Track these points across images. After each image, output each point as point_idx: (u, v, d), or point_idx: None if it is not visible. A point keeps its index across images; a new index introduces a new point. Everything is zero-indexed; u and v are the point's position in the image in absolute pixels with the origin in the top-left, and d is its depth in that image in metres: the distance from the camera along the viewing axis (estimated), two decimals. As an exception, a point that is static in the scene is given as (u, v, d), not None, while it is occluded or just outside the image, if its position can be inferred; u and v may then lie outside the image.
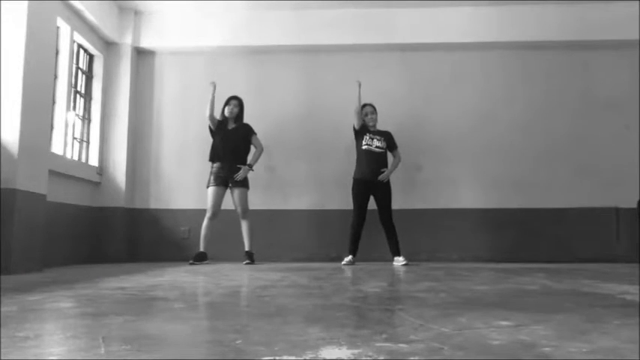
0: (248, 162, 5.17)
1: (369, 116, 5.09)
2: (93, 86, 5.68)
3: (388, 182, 5.02)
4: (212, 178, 5.09)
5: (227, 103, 5.19)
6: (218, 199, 5.06)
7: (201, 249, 5.02)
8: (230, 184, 5.08)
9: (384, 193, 4.98)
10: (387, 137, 5.11)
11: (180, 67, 6.03)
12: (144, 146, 5.93)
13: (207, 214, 5.04)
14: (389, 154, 5.15)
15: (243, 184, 5.10)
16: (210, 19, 5.86)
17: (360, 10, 5.80)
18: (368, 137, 5.03)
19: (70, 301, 2.15)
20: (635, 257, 5.20)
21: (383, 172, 4.99)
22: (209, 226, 5.04)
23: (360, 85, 5.07)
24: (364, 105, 5.14)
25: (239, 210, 5.06)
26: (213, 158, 5.14)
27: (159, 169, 5.91)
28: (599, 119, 5.71)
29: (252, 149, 5.26)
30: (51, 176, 4.38)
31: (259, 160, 5.27)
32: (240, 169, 5.07)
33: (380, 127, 5.16)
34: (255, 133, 5.23)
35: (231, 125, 5.19)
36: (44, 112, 4.14)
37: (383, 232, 4.97)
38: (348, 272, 3.90)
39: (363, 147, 5.01)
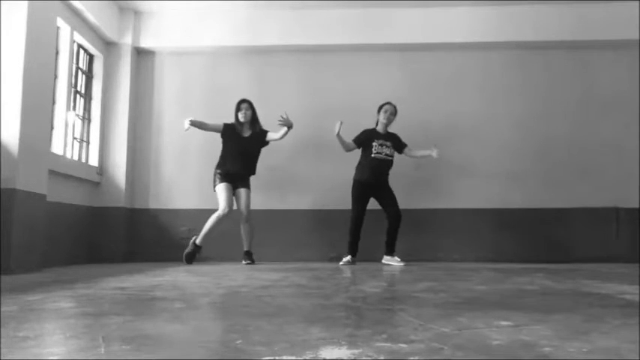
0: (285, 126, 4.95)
1: (387, 114, 5.01)
2: (93, 86, 5.68)
3: (387, 182, 5.02)
4: (219, 177, 4.99)
5: (238, 108, 5.10)
6: (231, 195, 4.96)
7: (198, 242, 4.91)
8: (238, 186, 5.02)
9: (387, 192, 4.96)
10: (394, 142, 5.06)
11: (180, 67, 6.03)
12: (144, 146, 5.93)
13: (222, 211, 4.83)
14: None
15: (248, 184, 5.07)
16: (210, 19, 5.86)
17: (360, 10, 5.80)
18: (377, 145, 4.96)
19: (70, 301, 2.15)
20: (635, 257, 5.20)
21: (386, 177, 4.99)
22: (218, 225, 4.85)
23: (339, 126, 4.90)
24: (385, 103, 5.08)
25: (244, 211, 4.98)
26: (221, 166, 5.02)
27: (159, 169, 5.90)
28: (599, 119, 5.71)
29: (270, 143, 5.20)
30: (51, 176, 4.38)
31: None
32: (245, 176, 5.03)
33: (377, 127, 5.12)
34: (268, 130, 5.14)
35: (246, 132, 5.10)
36: (44, 112, 4.14)
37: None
38: (348, 272, 3.90)
39: (373, 154, 4.93)
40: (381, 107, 5.09)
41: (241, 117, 5.07)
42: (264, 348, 1.23)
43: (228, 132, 5.09)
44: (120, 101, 5.74)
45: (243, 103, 5.11)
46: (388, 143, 5.01)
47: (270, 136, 5.13)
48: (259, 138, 5.13)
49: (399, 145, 5.09)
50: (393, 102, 5.72)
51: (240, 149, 5.04)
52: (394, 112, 5.07)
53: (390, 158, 5.00)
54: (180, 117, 5.91)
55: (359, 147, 5.07)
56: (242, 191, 5.02)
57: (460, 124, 5.77)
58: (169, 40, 5.91)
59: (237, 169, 5.02)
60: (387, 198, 4.96)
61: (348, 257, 4.91)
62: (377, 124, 5.11)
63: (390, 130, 5.15)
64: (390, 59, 5.91)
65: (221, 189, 4.96)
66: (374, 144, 4.97)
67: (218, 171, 5.04)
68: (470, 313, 1.79)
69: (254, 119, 5.13)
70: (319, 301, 2.16)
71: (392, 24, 5.79)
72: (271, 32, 5.83)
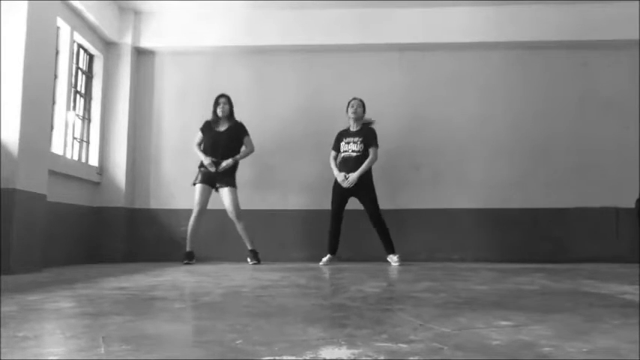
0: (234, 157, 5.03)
1: (353, 109, 4.98)
2: (93, 86, 5.68)
3: (369, 179, 4.92)
4: (199, 176, 5.01)
5: (216, 102, 5.11)
6: (205, 197, 4.98)
7: (188, 248, 4.98)
8: (217, 185, 5.00)
9: (364, 191, 4.86)
10: (365, 137, 4.94)
11: (180, 67, 6.03)
12: (144, 146, 5.93)
13: (193, 214, 4.96)
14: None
15: (229, 182, 4.98)
16: (210, 19, 5.86)
17: (360, 10, 5.80)
18: (344, 144, 4.97)
19: (70, 301, 2.16)
20: (635, 257, 5.20)
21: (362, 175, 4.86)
22: (196, 225, 4.97)
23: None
24: (352, 99, 5.05)
25: (231, 213, 4.95)
26: (201, 164, 5.03)
27: (159, 169, 5.91)
28: (599, 119, 5.71)
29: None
30: (51, 176, 4.38)
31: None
32: (225, 172, 4.96)
33: (377, 126, 5.07)
34: (248, 134, 5.15)
35: (222, 126, 5.10)
36: (44, 112, 4.14)
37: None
38: (348, 272, 3.90)
39: (342, 154, 4.97)
40: (348, 104, 5.05)
41: (219, 111, 5.07)
42: (264, 348, 1.23)
43: (206, 129, 5.11)
44: (120, 101, 5.74)
45: (222, 98, 5.11)
46: (356, 139, 4.94)
47: (245, 141, 5.13)
48: (236, 130, 5.10)
49: (368, 141, 4.92)
50: (392, 102, 5.74)
51: (216, 143, 5.01)
52: (361, 106, 5.02)
53: (357, 154, 4.90)
54: (180, 117, 5.94)
55: (338, 151, 5.06)
56: (223, 191, 4.98)
57: (460, 123, 5.77)
58: (169, 40, 5.91)
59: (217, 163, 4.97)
60: (366, 201, 4.86)
61: (327, 257, 4.88)
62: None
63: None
64: (389, 59, 5.91)
65: (196, 190, 5.00)
66: (342, 144, 4.99)
67: (200, 167, 5.03)
68: (470, 313, 1.79)
69: (231, 114, 5.12)
70: (319, 301, 2.16)
71: (391, 24, 5.78)
72: (271, 32, 5.83)
